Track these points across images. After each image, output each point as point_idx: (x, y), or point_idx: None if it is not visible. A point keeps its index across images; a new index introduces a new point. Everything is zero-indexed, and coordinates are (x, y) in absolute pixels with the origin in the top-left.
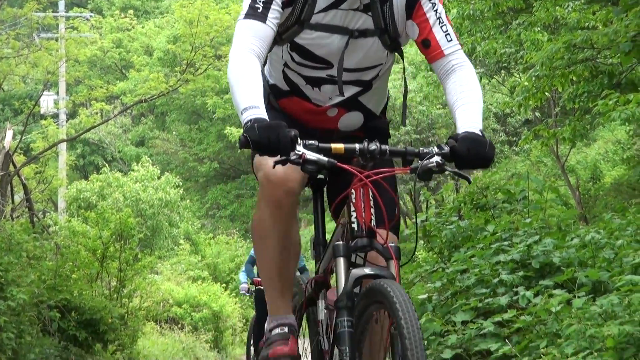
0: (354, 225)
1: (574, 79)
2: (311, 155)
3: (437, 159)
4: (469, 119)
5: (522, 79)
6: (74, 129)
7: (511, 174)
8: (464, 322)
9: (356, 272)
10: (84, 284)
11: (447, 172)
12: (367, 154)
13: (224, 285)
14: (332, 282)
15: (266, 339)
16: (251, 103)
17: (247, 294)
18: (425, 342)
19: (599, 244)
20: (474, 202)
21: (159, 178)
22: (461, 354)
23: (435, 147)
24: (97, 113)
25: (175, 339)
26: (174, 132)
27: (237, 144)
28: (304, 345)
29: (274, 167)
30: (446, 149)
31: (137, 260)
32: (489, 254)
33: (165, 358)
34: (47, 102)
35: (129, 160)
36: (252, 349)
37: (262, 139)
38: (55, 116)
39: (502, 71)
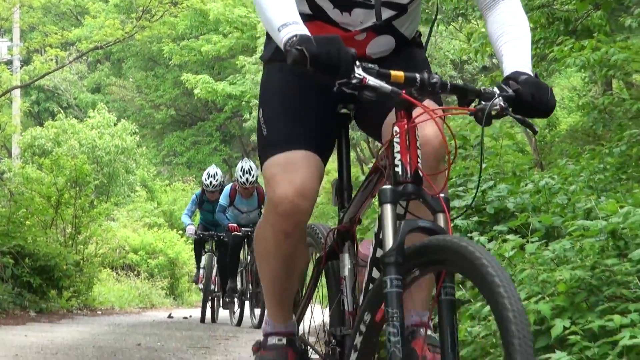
0: (398, 169)
1: (531, 25)
2: (373, 81)
3: (500, 101)
4: (522, 57)
5: (480, 26)
6: (28, 75)
7: (468, 120)
8: None
9: (409, 223)
10: (38, 231)
11: (507, 118)
12: (427, 86)
13: (180, 232)
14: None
15: (262, 342)
16: (290, 19)
17: (195, 236)
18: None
19: (552, 189)
20: None
21: (115, 125)
22: None
23: (496, 88)
24: (51, 60)
25: (131, 286)
26: (130, 79)
27: (287, 58)
28: (312, 307)
29: (335, 89)
30: (510, 91)
31: (93, 207)
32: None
33: (121, 304)
34: (0, 49)
35: (84, 107)
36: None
37: (321, 52)
38: (9, 63)
39: (460, 18)
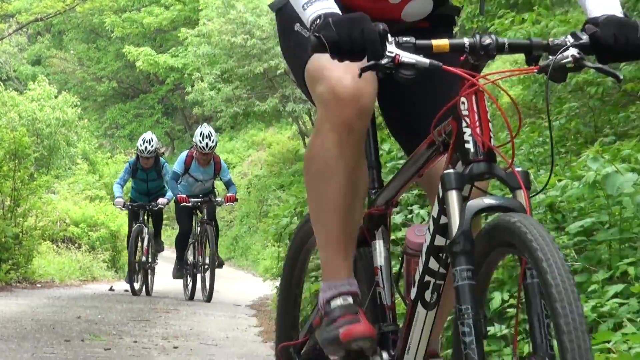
0: (469, 146)
1: None
2: (408, 57)
3: (573, 52)
4: None
5: None
6: None
7: None
8: None
9: (474, 204)
10: None
11: (588, 69)
12: (479, 50)
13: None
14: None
15: (325, 313)
16: None
17: (124, 209)
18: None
19: None
20: None
21: (56, 97)
22: None
23: (569, 37)
24: None
25: (72, 259)
26: (71, 51)
27: (308, 46)
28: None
29: (360, 74)
30: (584, 37)
31: (33, 180)
32: (385, 172)
33: (61, 277)
34: None
35: (24, 79)
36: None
37: (342, 38)
38: None
39: None
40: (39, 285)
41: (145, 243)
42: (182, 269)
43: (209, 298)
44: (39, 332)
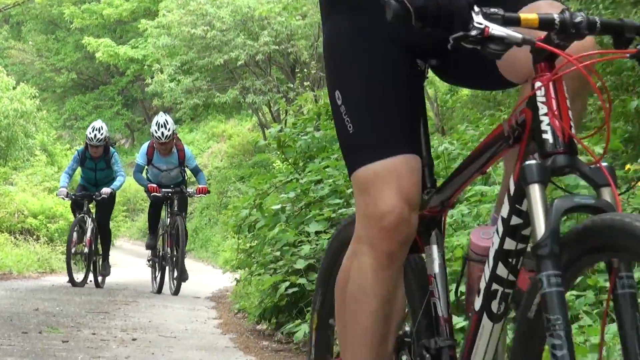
0: (547, 136)
1: None
2: (498, 30)
3: None
4: None
5: None
6: None
7: None
8: (317, 233)
9: (562, 202)
10: None
11: None
12: (570, 27)
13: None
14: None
15: None
16: None
17: (66, 199)
18: (279, 252)
19: (452, 155)
20: (329, 113)
21: (14, 88)
22: (314, 264)
23: None
24: None
25: (30, 250)
26: (30, 42)
27: (387, 13)
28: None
29: (451, 46)
30: None
31: None
32: (343, 164)
33: (19, 269)
34: None
35: None
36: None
37: (428, 4)
38: None
39: None
40: None
41: (89, 234)
42: (153, 263)
43: (176, 291)
44: None
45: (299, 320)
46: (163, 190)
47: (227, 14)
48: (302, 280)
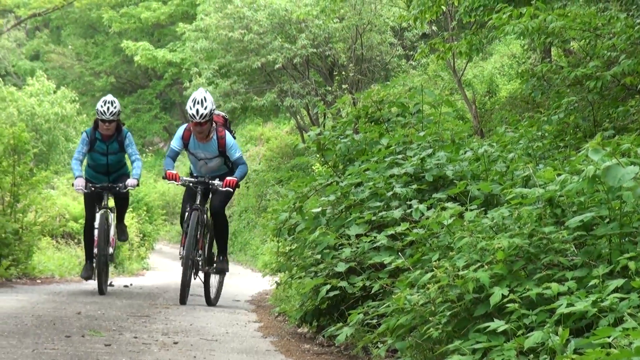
0: None
1: None
2: None
3: None
4: None
5: None
6: None
7: (408, 88)
8: (357, 236)
9: None
10: None
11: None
12: None
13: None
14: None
15: None
16: None
17: (86, 191)
18: (320, 255)
19: (491, 157)
20: (369, 116)
21: (54, 92)
22: (355, 267)
23: None
24: None
25: (71, 254)
26: (69, 46)
27: None
28: None
29: None
30: None
31: (32, 175)
32: (383, 167)
33: (61, 273)
34: None
35: (23, 74)
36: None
37: None
38: None
39: None
40: (39, 281)
41: (112, 232)
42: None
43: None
44: (40, 328)
45: (341, 324)
46: (184, 178)
47: (265, 17)
48: (343, 283)
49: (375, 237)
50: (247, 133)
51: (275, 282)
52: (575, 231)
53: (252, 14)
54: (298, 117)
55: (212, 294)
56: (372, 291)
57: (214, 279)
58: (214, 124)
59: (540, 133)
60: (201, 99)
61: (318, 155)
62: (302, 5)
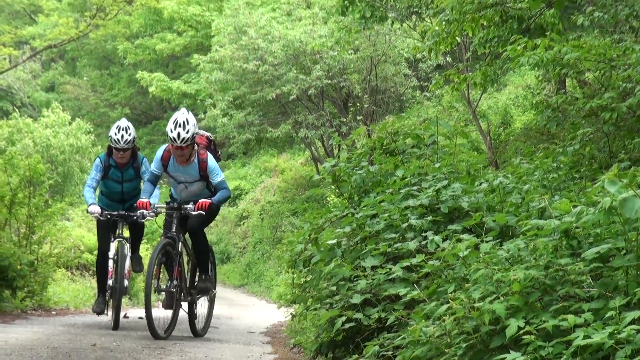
0: None
1: (484, 23)
2: None
3: None
4: None
5: (433, 24)
6: None
7: (423, 119)
8: (373, 267)
9: None
10: None
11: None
12: None
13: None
14: None
15: None
16: None
17: (103, 218)
18: (335, 287)
19: (506, 188)
20: (384, 147)
21: (70, 124)
22: (370, 298)
23: None
24: (5, 58)
25: (86, 286)
26: (84, 78)
27: None
28: None
29: None
30: None
31: (47, 207)
32: (398, 199)
33: (76, 304)
34: None
35: (39, 105)
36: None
37: None
38: None
39: (413, 16)
40: (54, 312)
41: (128, 263)
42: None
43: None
44: (55, 359)
45: (356, 355)
46: (158, 206)
47: (279, 49)
48: (358, 315)
49: (390, 269)
50: (262, 164)
51: (291, 313)
52: (592, 263)
53: (267, 45)
54: (313, 148)
55: (201, 324)
56: (388, 323)
57: (201, 308)
58: (196, 147)
59: (555, 164)
60: (183, 122)
61: (333, 187)
62: (316, 36)
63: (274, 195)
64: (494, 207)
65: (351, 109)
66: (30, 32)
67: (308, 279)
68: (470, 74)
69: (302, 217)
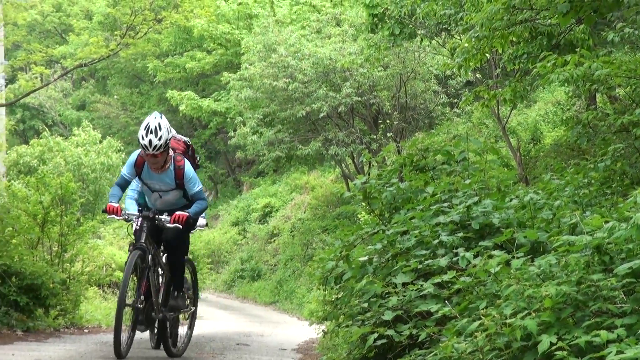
0: None
1: (514, 40)
2: None
3: None
4: None
5: (462, 40)
6: (13, 93)
7: (452, 135)
8: (404, 284)
9: None
10: (24, 249)
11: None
12: None
13: None
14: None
15: None
16: None
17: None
18: (367, 304)
19: (537, 204)
20: (414, 164)
21: (100, 142)
22: (402, 315)
23: None
24: (36, 77)
25: None
26: (115, 96)
27: None
28: None
29: None
30: None
31: (79, 225)
32: (429, 215)
33: (108, 322)
34: None
35: (69, 124)
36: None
37: None
38: None
39: (443, 33)
40: (86, 330)
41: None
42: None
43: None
44: None
45: None
46: (129, 213)
47: (309, 66)
48: (390, 332)
49: (421, 286)
50: (292, 182)
51: (322, 330)
52: (624, 278)
53: (297, 62)
54: (343, 165)
55: (178, 343)
56: (419, 339)
57: (182, 329)
58: (171, 153)
59: (586, 180)
60: (154, 127)
61: (364, 204)
62: (346, 54)
63: (304, 213)
64: (525, 223)
65: (381, 125)
66: (61, 51)
67: (339, 296)
68: (500, 90)
69: (333, 234)
